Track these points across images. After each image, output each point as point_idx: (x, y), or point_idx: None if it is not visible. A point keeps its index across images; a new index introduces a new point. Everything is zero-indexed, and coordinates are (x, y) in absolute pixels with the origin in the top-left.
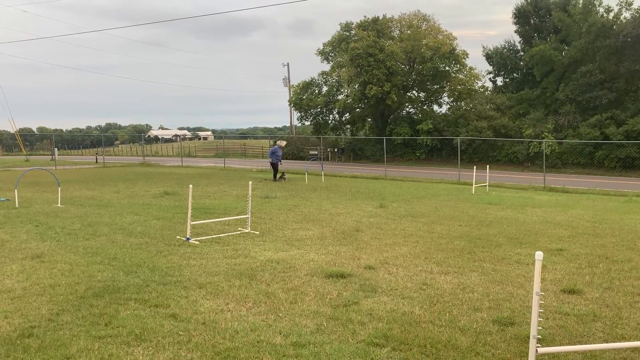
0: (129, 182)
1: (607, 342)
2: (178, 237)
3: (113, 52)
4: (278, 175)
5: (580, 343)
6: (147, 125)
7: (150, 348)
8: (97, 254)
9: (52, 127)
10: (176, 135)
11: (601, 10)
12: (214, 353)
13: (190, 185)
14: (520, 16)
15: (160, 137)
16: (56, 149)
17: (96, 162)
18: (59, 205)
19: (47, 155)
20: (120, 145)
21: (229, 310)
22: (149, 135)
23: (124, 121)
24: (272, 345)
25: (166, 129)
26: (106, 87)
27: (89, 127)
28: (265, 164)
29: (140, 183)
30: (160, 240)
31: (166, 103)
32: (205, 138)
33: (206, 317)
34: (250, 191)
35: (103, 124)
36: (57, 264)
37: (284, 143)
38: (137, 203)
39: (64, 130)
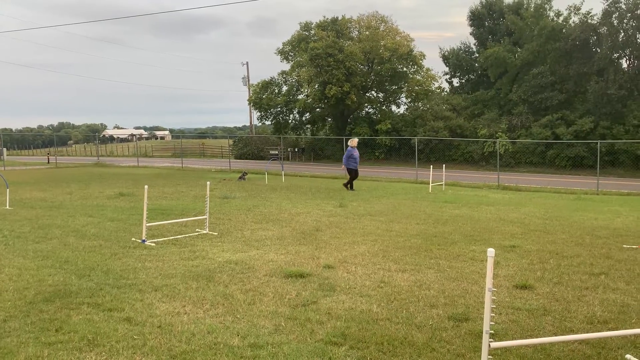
0: (83, 183)
1: (556, 335)
2: (133, 239)
3: (67, 50)
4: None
5: (531, 337)
6: (102, 124)
7: (104, 353)
8: (48, 258)
9: (0, 127)
10: (132, 135)
11: (551, 14)
12: (169, 357)
13: (146, 186)
14: (475, 19)
15: (115, 136)
16: (5, 149)
17: (48, 162)
18: (8, 207)
19: None
20: (73, 145)
21: (185, 313)
22: (104, 135)
23: (78, 120)
24: (229, 347)
25: (122, 128)
26: (59, 85)
27: (40, 127)
28: (224, 163)
29: (95, 184)
30: (115, 243)
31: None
32: (162, 137)
33: (162, 320)
34: (208, 191)
35: (56, 123)
36: (5, 269)
37: (355, 142)
38: (90, 204)
39: (13, 129)
